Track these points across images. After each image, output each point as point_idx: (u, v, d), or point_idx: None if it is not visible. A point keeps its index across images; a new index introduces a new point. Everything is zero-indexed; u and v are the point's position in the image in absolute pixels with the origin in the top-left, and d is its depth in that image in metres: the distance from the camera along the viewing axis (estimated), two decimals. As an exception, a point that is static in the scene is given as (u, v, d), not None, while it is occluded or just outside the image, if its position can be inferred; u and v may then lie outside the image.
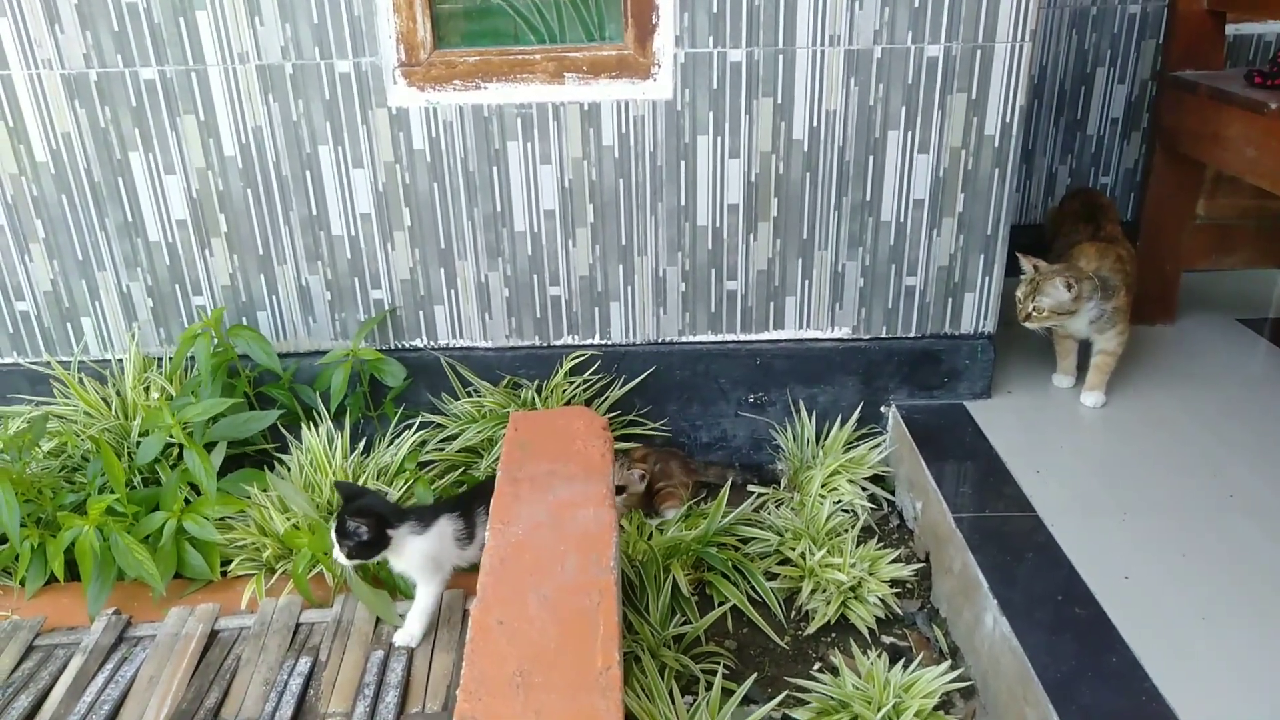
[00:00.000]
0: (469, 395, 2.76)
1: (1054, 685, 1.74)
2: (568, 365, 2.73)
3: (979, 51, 2.44)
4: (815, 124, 2.52)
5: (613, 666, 1.38)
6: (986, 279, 2.69)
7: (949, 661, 2.04)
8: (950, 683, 1.97)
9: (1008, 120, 2.51)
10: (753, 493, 2.69)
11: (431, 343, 2.77)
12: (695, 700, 1.95)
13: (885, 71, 2.46)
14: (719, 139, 2.53)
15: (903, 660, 2.06)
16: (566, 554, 1.63)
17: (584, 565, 1.61)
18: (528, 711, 1.32)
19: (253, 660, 2.00)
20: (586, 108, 2.50)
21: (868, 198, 2.60)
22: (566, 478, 1.88)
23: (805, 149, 2.54)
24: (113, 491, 2.22)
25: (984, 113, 2.50)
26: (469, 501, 2.17)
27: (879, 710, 1.89)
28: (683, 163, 2.56)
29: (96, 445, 2.39)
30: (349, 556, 1.96)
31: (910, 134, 2.53)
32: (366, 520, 1.94)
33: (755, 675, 2.08)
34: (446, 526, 2.09)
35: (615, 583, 1.56)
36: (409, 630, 2.08)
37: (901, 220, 2.62)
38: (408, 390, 2.75)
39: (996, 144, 2.53)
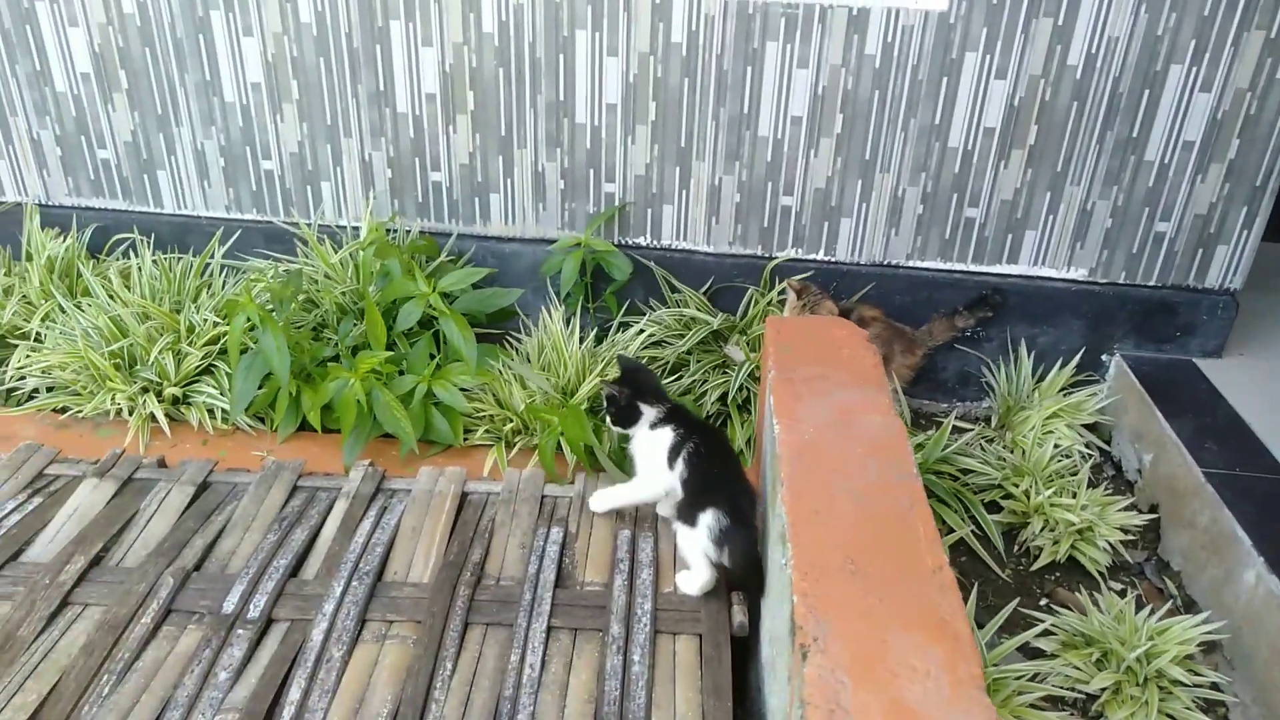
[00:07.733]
0: (676, 304, 2.74)
1: (1337, 648, 1.70)
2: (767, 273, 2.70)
3: (1291, -15, 2.27)
4: (1093, 50, 2.39)
5: (944, 568, 1.38)
6: (1245, 232, 2.56)
7: (1204, 614, 2.00)
8: (1205, 634, 1.94)
9: (1306, 64, 2.35)
10: (963, 429, 2.66)
11: (655, 242, 2.76)
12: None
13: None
14: (988, 57, 2.43)
15: (1148, 608, 2.03)
16: (865, 457, 1.63)
17: (885, 470, 1.61)
18: (868, 596, 1.33)
19: (507, 524, 2.07)
20: (855, 13, 2.42)
21: (1134, 134, 2.48)
22: (839, 383, 1.87)
23: (1078, 76, 2.43)
24: (369, 348, 2.29)
25: (1282, 53, 2.35)
26: (687, 428, 1.94)
27: (1132, 651, 1.87)
28: (945, 79, 2.46)
29: (341, 308, 2.47)
30: (612, 422, 1.99)
31: (1195, 70, 2.39)
32: (622, 389, 1.96)
33: (987, 604, 2.08)
34: (666, 435, 1.94)
35: (923, 490, 1.56)
36: (596, 501, 2.10)
37: (1166, 161, 2.50)
38: (623, 287, 2.76)
39: (1289, 88, 2.38)
